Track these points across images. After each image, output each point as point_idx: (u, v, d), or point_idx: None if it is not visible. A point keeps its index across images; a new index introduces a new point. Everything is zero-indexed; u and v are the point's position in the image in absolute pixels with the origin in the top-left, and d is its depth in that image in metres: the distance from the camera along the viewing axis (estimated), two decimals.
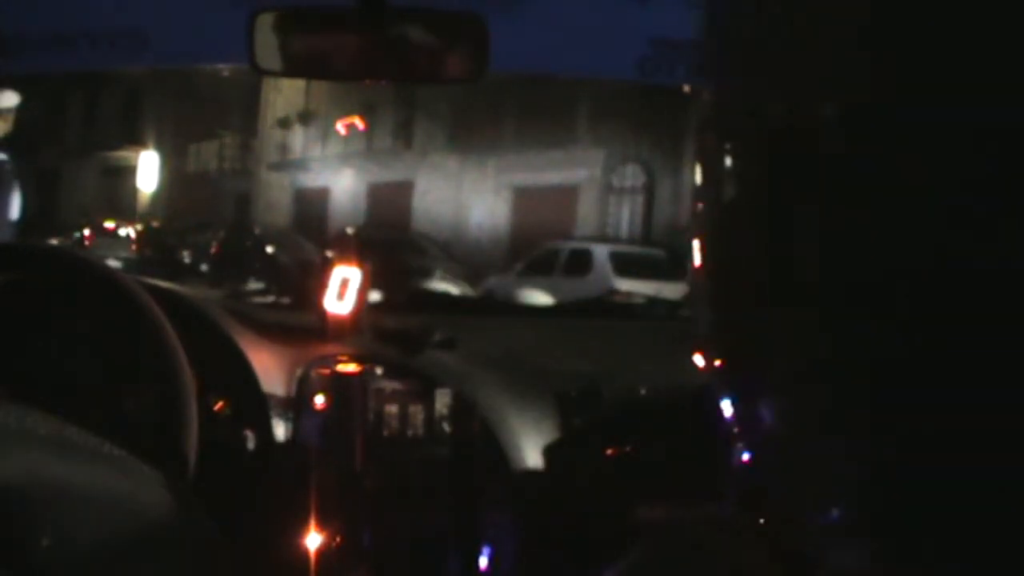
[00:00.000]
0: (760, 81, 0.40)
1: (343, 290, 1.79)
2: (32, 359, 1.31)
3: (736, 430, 0.44)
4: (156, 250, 21.87)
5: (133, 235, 20.90)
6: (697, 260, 0.45)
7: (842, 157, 0.37)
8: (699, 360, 0.46)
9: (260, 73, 1.66)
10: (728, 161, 0.42)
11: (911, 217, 0.35)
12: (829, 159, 0.38)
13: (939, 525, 0.37)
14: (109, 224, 20.53)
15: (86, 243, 19.91)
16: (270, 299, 2.21)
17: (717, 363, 0.45)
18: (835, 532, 0.41)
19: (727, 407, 0.45)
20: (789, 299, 0.40)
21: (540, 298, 12.92)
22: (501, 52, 1.58)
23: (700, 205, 0.44)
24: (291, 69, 1.76)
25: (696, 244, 0.45)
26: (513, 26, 1.62)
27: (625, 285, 13.64)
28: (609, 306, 3.28)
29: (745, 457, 0.44)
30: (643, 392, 1.79)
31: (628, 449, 1.67)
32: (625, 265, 14.70)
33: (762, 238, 0.40)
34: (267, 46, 1.59)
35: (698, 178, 0.44)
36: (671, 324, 2.51)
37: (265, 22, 1.58)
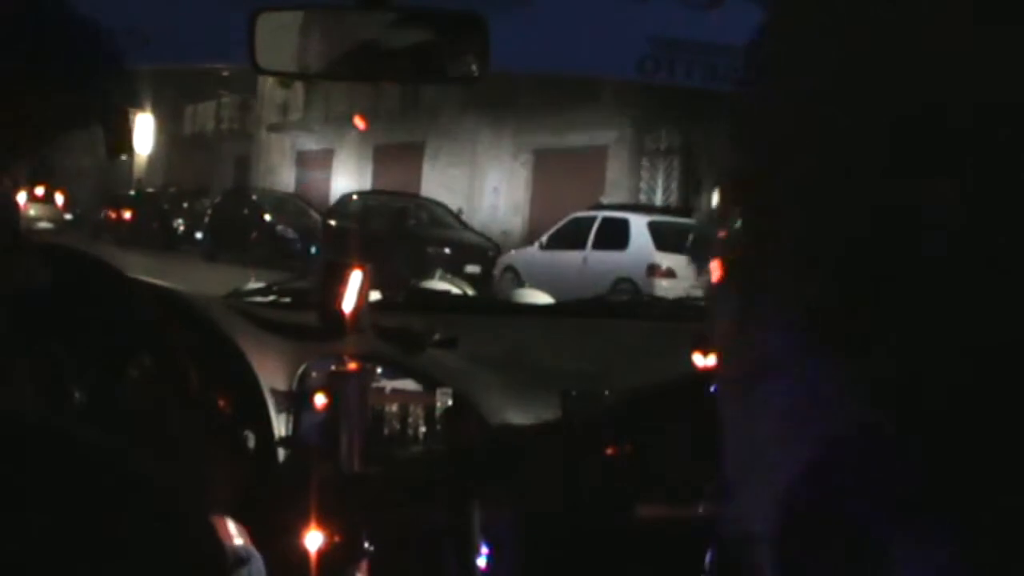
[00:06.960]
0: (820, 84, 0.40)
1: (344, 288, 1.79)
2: (32, 359, 1.31)
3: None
4: (149, 217, 20.85)
5: (61, 200, 20.45)
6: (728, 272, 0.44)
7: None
8: (699, 360, 0.46)
9: (260, 73, 1.67)
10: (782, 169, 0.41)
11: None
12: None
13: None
14: (39, 191, 20.52)
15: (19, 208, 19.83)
16: (271, 298, 2.21)
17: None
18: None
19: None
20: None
21: (567, 274, 11.43)
22: (501, 52, 1.58)
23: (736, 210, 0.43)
24: (291, 69, 1.77)
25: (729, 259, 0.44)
26: (513, 26, 1.62)
27: (667, 261, 12.16)
28: (610, 306, 3.28)
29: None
30: (644, 392, 1.79)
31: (628, 449, 1.67)
32: (666, 237, 12.59)
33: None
34: (267, 46, 1.59)
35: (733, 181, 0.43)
36: (671, 324, 2.51)
37: (265, 22, 1.58)
